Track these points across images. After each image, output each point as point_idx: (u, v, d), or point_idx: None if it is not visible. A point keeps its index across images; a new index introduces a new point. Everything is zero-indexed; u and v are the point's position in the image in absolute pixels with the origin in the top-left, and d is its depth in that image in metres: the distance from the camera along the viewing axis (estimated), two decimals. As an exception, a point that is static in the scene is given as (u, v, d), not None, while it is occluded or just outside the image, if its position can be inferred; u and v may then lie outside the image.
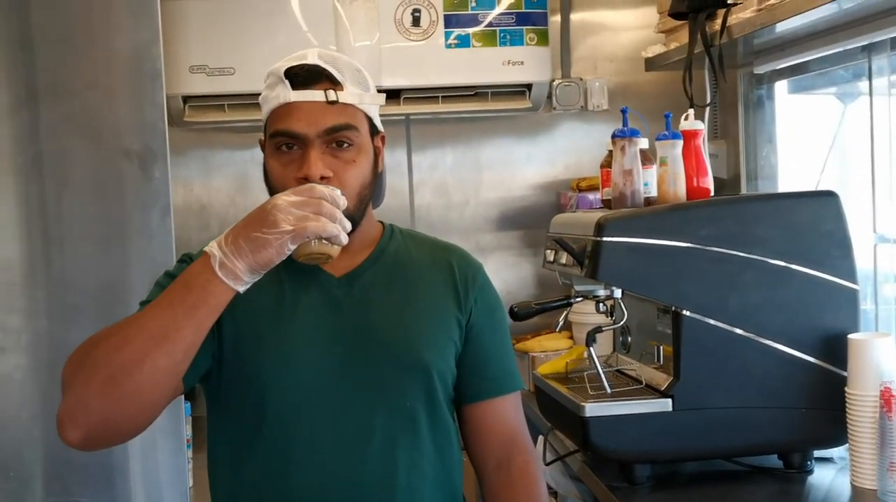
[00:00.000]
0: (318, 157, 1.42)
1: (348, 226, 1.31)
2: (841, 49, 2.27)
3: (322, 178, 1.41)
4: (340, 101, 1.44)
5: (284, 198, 1.28)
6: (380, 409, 1.46)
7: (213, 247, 1.27)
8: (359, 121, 1.47)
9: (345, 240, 1.30)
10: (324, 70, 1.45)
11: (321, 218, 1.27)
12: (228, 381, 1.47)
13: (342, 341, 1.47)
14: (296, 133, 1.43)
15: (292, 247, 1.27)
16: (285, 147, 1.45)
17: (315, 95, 1.43)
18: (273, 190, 1.46)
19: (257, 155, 3.29)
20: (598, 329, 2.01)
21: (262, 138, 1.51)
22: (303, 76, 1.44)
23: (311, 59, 1.46)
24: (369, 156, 1.49)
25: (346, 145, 1.45)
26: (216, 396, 1.50)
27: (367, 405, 1.46)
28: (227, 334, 1.46)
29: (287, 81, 1.44)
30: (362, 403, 1.46)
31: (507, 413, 1.58)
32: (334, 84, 1.45)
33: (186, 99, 2.81)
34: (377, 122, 1.53)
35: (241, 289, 1.28)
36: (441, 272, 1.57)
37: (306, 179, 1.40)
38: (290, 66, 1.45)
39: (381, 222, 1.62)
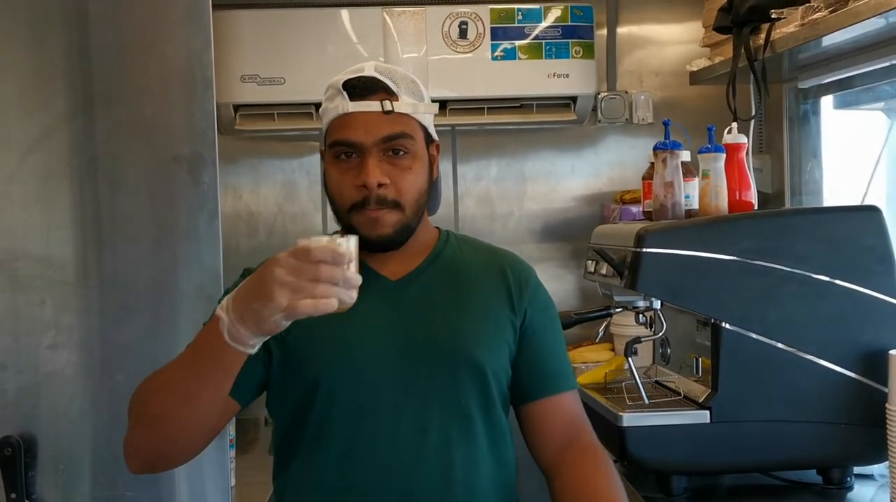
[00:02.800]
0: (375, 165, 1.47)
1: (357, 280, 1.23)
2: (888, 64, 2.26)
3: (380, 185, 1.46)
4: (396, 110, 1.49)
5: (280, 268, 1.20)
6: (435, 406, 1.50)
7: (221, 312, 1.26)
8: (414, 129, 1.52)
9: (350, 301, 1.23)
10: (380, 81, 1.50)
11: (318, 287, 1.19)
12: (292, 386, 1.51)
13: (399, 342, 1.51)
14: (354, 142, 1.48)
15: (286, 324, 1.22)
16: (344, 156, 1.49)
17: (371, 106, 1.48)
18: (333, 197, 1.52)
19: (305, 164, 3.36)
20: (637, 340, 2.01)
21: (322, 148, 1.56)
22: (360, 88, 1.49)
23: (368, 71, 1.52)
24: (425, 163, 1.54)
25: (402, 153, 1.49)
26: (281, 400, 1.54)
27: (423, 402, 1.49)
28: (289, 342, 1.50)
29: (345, 93, 1.49)
30: (418, 400, 1.49)
31: (567, 408, 1.59)
32: (390, 95, 1.50)
33: (237, 108, 2.87)
34: (432, 131, 1.57)
35: (252, 351, 1.27)
36: (494, 276, 1.60)
37: (365, 186, 1.46)
38: (348, 78, 1.51)
39: (438, 228, 1.66)
